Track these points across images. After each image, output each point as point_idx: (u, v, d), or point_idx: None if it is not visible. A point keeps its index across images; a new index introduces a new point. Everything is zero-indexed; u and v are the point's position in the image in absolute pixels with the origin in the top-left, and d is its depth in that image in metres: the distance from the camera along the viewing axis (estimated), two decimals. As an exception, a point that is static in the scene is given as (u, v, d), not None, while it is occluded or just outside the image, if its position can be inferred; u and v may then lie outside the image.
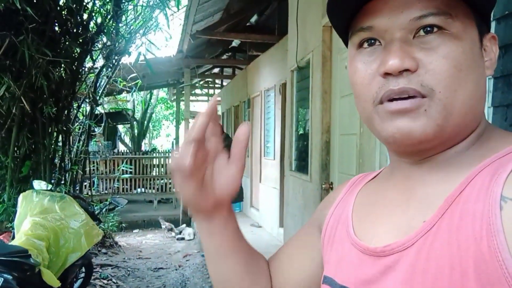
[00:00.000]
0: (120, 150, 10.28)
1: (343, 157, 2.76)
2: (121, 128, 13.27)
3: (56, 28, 4.66)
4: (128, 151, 10.19)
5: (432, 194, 0.49)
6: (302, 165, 3.64)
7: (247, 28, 7.50)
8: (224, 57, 9.72)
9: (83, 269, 3.78)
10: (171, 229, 6.97)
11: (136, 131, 11.86)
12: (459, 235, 0.43)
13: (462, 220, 0.44)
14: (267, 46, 6.78)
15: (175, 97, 13.50)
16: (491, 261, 0.40)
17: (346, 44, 0.56)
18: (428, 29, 0.47)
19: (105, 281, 4.46)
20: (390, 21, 0.48)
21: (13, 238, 3.25)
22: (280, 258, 0.73)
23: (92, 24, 4.96)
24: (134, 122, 11.84)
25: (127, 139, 14.03)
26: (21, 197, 3.40)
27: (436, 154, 0.51)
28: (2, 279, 2.46)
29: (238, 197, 6.10)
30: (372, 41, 0.50)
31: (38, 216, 3.18)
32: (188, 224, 7.45)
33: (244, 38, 6.84)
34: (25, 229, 3.00)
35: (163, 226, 7.03)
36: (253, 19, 7.37)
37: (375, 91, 0.49)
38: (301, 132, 3.81)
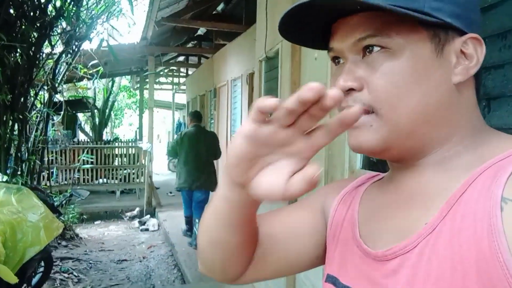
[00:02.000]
0: (80, 140, 9.93)
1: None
2: (81, 116, 12.81)
3: (11, 11, 4.40)
4: (89, 140, 9.85)
5: (432, 196, 0.51)
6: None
7: (214, 16, 7.38)
8: (190, 45, 9.55)
9: (42, 263, 3.63)
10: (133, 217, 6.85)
11: (97, 120, 11.48)
12: (460, 237, 0.44)
13: (464, 222, 0.45)
14: (234, 35, 6.71)
15: (138, 85, 13.17)
16: (492, 262, 0.41)
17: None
18: (370, 49, 0.51)
19: (65, 275, 4.32)
20: (341, 44, 0.53)
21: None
22: (275, 232, 0.67)
23: (50, 7, 4.72)
24: (95, 111, 11.45)
25: (87, 128, 13.57)
26: (-27, 189, 3.20)
27: (422, 159, 0.53)
28: (-46, 276, 2.32)
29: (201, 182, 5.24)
30: (340, 59, 0.55)
31: (-7, 209, 3.01)
32: (152, 215, 7.33)
33: (211, 27, 6.74)
34: (-22, 223, 2.84)
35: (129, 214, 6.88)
36: (220, 7, 7.26)
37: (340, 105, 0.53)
38: (269, 123, 3.80)
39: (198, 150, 5.13)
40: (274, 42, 3.40)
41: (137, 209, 7.01)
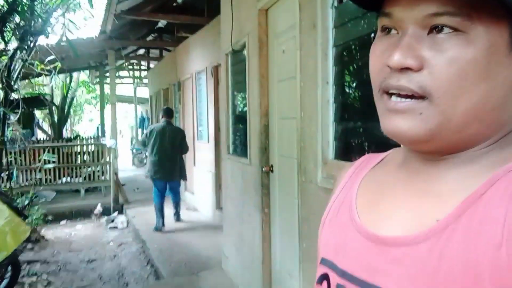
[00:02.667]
0: (39, 138, 9.56)
1: (283, 141, 2.83)
2: (38, 114, 12.31)
3: (-41, 5, 4.17)
4: (48, 138, 9.50)
5: (447, 193, 0.49)
6: (241, 149, 3.67)
7: (174, 9, 7.26)
8: (150, 38, 9.35)
9: (9, 268, 3.52)
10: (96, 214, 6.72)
11: (56, 117, 11.07)
12: (477, 239, 0.42)
13: (482, 224, 0.43)
14: (196, 28, 6.64)
15: (97, 80, 12.78)
16: (508, 269, 0.39)
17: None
18: (441, 28, 0.45)
19: (34, 278, 4.20)
20: (405, 12, 0.47)
21: None
22: None
23: (2, 1, 4.50)
24: (53, 108, 11.04)
25: (46, 126, 13.06)
26: None
27: (451, 154, 0.50)
28: None
29: (182, 176, 5.98)
30: (393, 29, 0.49)
31: (-46, 216, 2.89)
32: (120, 212, 7.21)
33: (172, 19, 6.64)
34: None
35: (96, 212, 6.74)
36: (180, -1, 7.14)
37: (381, 80, 0.49)
38: (238, 115, 3.83)
39: (165, 143, 5.65)
40: (240, 35, 3.41)
41: (99, 205, 6.86)
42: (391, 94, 0.48)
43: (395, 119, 0.48)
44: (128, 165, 13.82)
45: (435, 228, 0.46)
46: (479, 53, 0.44)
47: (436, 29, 0.45)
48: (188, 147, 6.06)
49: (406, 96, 0.47)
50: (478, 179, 0.46)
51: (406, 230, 0.49)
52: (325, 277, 0.57)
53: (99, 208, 6.76)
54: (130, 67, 12.55)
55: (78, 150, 8.27)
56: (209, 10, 6.15)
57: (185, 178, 6.13)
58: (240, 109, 3.82)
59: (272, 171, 3.01)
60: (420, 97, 0.46)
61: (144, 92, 15.21)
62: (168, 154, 5.63)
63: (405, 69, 0.46)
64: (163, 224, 5.70)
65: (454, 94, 0.45)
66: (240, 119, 3.76)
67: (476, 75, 0.44)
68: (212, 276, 3.96)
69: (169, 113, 5.93)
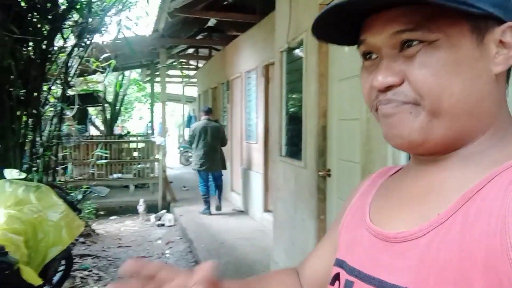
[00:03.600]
0: (91, 134, 9.88)
1: (343, 143, 2.65)
2: (91, 111, 12.76)
3: (23, 4, 4.31)
4: (101, 135, 9.80)
5: (449, 189, 0.51)
6: (294, 151, 3.52)
7: (225, 7, 7.22)
8: (200, 37, 9.40)
9: (63, 261, 3.57)
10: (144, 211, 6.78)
11: (108, 114, 11.42)
12: (472, 230, 0.45)
13: (478, 216, 0.45)
14: (247, 26, 6.55)
15: (148, 78, 13.07)
16: (501, 258, 0.41)
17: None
18: (409, 43, 0.50)
19: (85, 272, 4.26)
20: (376, 37, 0.52)
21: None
22: (309, 259, 0.76)
23: (62, -1, 4.62)
24: (106, 105, 11.39)
25: (98, 122, 13.53)
26: (-8, 188, 3.13)
27: (451, 153, 0.53)
28: (-22, 280, 2.25)
29: (223, 166, 6.90)
30: (372, 54, 0.54)
31: (13, 208, 2.93)
32: (167, 210, 7.27)
33: (224, 17, 6.59)
34: (-1, 223, 2.76)
35: (140, 208, 6.80)
36: (231, -3, 7.09)
37: (372, 101, 0.55)
38: (292, 116, 3.68)
39: (207, 139, 6.47)
40: (298, 32, 3.26)
41: (141, 201, 6.93)
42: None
43: (390, 122, 0.52)
44: (176, 163, 14.03)
45: (434, 221, 0.49)
46: (445, 55, 0.49)
47: (405, 44, 0.50)
48: (227, 140, 6.88)
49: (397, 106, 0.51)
50: (477, 176, 0.49)
51: (410, 226, 0.51)
52: (337, 277, 0.60)
53: (141, 205, 6.81)
54: (180, 66, 12.72)
55: (129, 147, 8.44)
56: (261, 8, 6.04)
57: (225, 168, 6.98)
58: (294, 109, 3.67)
59: (329, 175, 2.83)
60: (408, 103, 0.51)
61: (192, 91, 15.40)
62: (211, 148, 6.46)
63: (389, 87, 0.51)
64: (209, 211, 6.57)
65: (435, 94, 0.49)
66: (294, 120, 3.61)
67: (449, 73, 0.49)
68: None
69: (208, 112, 6.73)
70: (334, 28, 0.56)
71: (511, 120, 0.54)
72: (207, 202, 6.57)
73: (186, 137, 15.78)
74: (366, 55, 0.55)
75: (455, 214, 0.47)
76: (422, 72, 0.49)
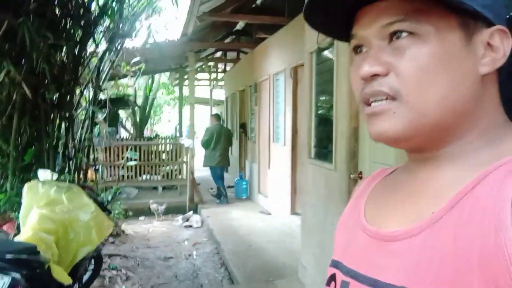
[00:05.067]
0: (122, 137, 10.07)
1: (376, 145, 2.56)
2: (122, 113, 13.03)
3: (57, 10, 4.42)
4: (131, 137, 9.98)
5: (443, 188, 0.51)
6: (324, 153, 3.44)
7: (254, 10, 7.22)
8: (228, 40, 9.44)
9: (92, 261, 3.62)
10: (157, 210, 6.81)
11: (138, 117, 11.63)
12: (466, 228, 0.45)
13: (472, 214, 0.45)
14: (275, 29, 6.52)
15: (176, 82, 13.23)
16: (496, 256, 0.41)
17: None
18: (398, 34, 0.50)
19: (114, 272, 4.31)
20: (366, 30, 0.53)
21: (18, 229, 3.07)
22: None
23: (94, 5, 4.72)
24: (136, 108, 11.60)
25: (128, 125, 13.79)
26: (26, 188, 3.21)
27: (441, 151, 0.53)
28: (11, 277, 2.29)
29: (227, 162, 7.91)
30: (362, 47, 0.54)
31: (45, 208, 3.00)
32: (195, 211, 7.30)
33: (252, 20, 6.58)
34: (32, 222, 2.82)
35: (153, 207, 6.83)
36: (259, 0, 7.08)
37: (359, 93, 0.54)
38: (321, 117, 3.61)
39: (222, 140, 7.68)
40: (328, 32, 3.20)
41: (164, 205, 6.98)
42: (370, 104, 0.53)
43: (374, 122, 0.52)
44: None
45: (429, 220, 0.49)
46: (433, 48, 0.49)
47: (394, 36, 0.51)
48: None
49: (381, 101, 0.51)
50: (470, 174, 0.49)
51: (404, 225, 0.52)
52: (333, 278, 0.60)
53: (154, 206, 6.84)
54: (208, 69, 12.83)
55: (158, 149, 8.54)
56: (289, 10, 6.00)
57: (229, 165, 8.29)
58: (324, 111, 3.60)
59: (361, 178, 2.75)
60: (392, 98, 0.51)
61: (219, 94, 15.49)
62: (226, 148, 7.78)
63: (374, 76, 0.51)
64: (227, 200, 7.58)
65: (420, 89, 0.49)
66: (324, 121, 3.53)
67: (436, 68, 0.49)
68: (289, 286, 3.78)
69: (219, 118, 8.23)
70: (328, 19, 0.57)
71: (504, 121, 0.54)
72: (225, 193, 7.61)
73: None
74: (356, 50, 0.55)
75: (449, 213, 0.47)
76: (410, 64, 0.49)
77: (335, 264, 0.61)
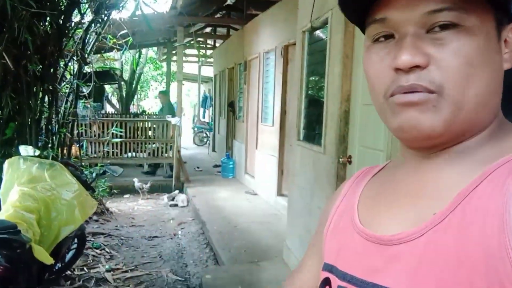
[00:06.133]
0: (108, 112, 9.87)
1: (367, 129, 2.52)
2: (108, 88, 12.75)
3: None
4: (116, 113, 9.79)
5: (444, 187, 0.49)
6: (313, 135, 3.40)
7: (246, -15, 7.03)
8: (218, 15, 9.22)
9: (75, 240, 3.56)
10: (142, 188, 6.76)
11: (124, 92, 11.38)
12: (469, 231, 0.43)
13: (475, 216, 0.44)
14: (267, 5, 6.36)
15: (164, 57, 12.95)
16: (500, 258, 0.40)
17: (363, 31, 0.55)
18: (443, 24, 0.47)
19: (97, 251, 4.27)
20: (403, 14, 0.48)
21: (-1, 208, 2.98)
22: (298, 273, 0.73)
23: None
24: (122, 83, 11.34)
25: (114, 100, 13.53)
26: (6, 164, 3.09)
27: (446, 148, 0.51)
28: (-11, 257, 2.22)
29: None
30: (387, 35, 0.50)
31: (27, 186, 2.90)
32: (181, 190, 7.25)
33: (244, -5, 6.39)
34: (12, 200, 2.73)
35: (137, 185, 6.76)
36: (252, -25, 6.89)
37: (387, 85, 0.50)
38: (312, 99, 3.54)
39: None
40: (322, 11, 3.10)
41: (149, 183, 6.90)
42: (400, 94, 0.49)
43: (410, 111, 0.48)
44: (189, 143, 14.02)
45: (431, 222, 0.47)
46: (479, 42, 0.47)
47: (437, 25, 0.47)
48: None
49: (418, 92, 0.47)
50: (471, 173, 0.47)
51: (405, 227, 0.49)
52: (327, 282, 0.58)
53: (139, 185, 6.77)
54: (197, 45, 12.57)
55: (144, 126, 8.40)
56: (283, -14, 5.83)
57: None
58: (314, 92, 3.53)
59: (350, 162, 2.71)
60: (431, 92, 0.47)
61: (207, 71, 15.26)
62: None
63: (413, 68, 0.47)
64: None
65: (463, 83, 0.47)
66: (314, 103, 3.47)
67: (480, 62, 0.47)
68: (273, 267, 3.78)
69: (167, 95, 8.70)
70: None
71: (502, 117, 0.53)
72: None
73: (201, 117, 15.75)
74: (377, 37, 0.51)
75: (452, 214, 0.46)
76: (456, 58, 0.46)
77: (329, 268, 0.59)
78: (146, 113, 9.94)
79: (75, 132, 5.53)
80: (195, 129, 14.77)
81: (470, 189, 0.46)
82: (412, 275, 0.46)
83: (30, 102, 4.29)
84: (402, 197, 0.53)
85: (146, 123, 8.21)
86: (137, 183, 6.77)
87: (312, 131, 3.45)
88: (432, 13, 0.47)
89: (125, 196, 6.94)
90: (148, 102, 21.42)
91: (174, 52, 11.49)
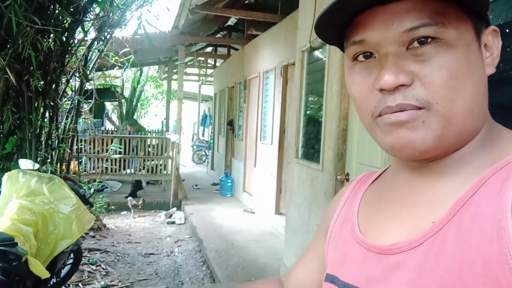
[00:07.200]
0: (108, 129, 9.91)
1: (364, 147, 2.55)
2: (108, 105, 12.83)
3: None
4: (116, 129, 9.82)
5: (441, 195, 0.49)
6: (311, 153, 3.42)
7: (246, 6, 7.17)
8: (219, 35, 9.36)
9: (72, 255, 3.54)
10: (137, 206, 6.71)
11: (124, 109, 11.46)
12: (469, 238, 0.43)
13: (473, 223, 0.44)
14: (267, 25, 6.48)
15: (165, 75, 13.08)
16: (500, 264, 0.40)
17: (343, 50, 0.54)
18: (422, 39, 0.46)
19: (93, 267, 4.23)
20: (381, 34, 0.48)
21: (-4, 220, 2.97)
22: (294, 270, 0.74)
23: (84, -8, 4.61)
24: (123, 100, 11.43)
25: (114, 117, 13.60)
26: (5, 177, 3.11)
27: (441, 158, 0.51)
28: (-15, 269, 2.21)
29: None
30: (367, 53, 0.50)
31: (25, 199, 2.91)
32: (178, 208, 7.23)
33: (245, 16, 6.52)
34: (10, 213, 2.73)
35: (130, 204, 6.73)
36: (253, -4, 7.04)
37: (373, 106, 0.49)
38: (310, 117, 3.59)
39: None
40: (321, 31, 3.17)
41: (141, 200, 6.88)
42: (388, 114, 0.48)
43: (401, 131, 0.48)
44: (188, 161, 14.02)
45: (430, 230, 0.47)
46: (460, 53, 0.47)
47: (416, 41, 0.47)
48: None
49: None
50: (468, 181, 0.47)
51: (404, 236, 0.50)
52: None
53: (133, 203, 6.73)
54: (198, 64, 12.72)
55: (143, 143, 8.43)
56: (282, 7, 5.96)
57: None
58: (313, 111, 3.58)
59: (347, 180, 2.73)
60: (419, 108, 0.47)
61: (208, 90, 15.38)
62: None
63: (397, 88, 0.47)
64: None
65: (449, 96, 0.47)
66: (313, 121, 3.51)
67: (464, 72, 0.47)
68: None
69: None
70: (331, 25, 0.52)
71: (492, 123, 0.53)
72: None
73: (201, 136, 15.78)
74: (356, 57, 0.51)
75: (450, 222, 0.46)
76: (440, 72, 0.46)
77: (331, 279, 0.59)
78: (145, 130, 9.98)
79: (75, 147, 5.55)
80: (194, 147, 14.80)
81: (468, 197, 0.46)
82: (414, 283, 0.46)
83: (31, 117, 4.32)
84: (401, 206, 0.53)
85: (145, 140, 8.23)
86: (132, 202, 6.74)
87: (311, 149, 3.48)
88: (410, 31, 0.46)
89: (122, 212, 6.91)
90: (148, 120, 21.51)
91: (175, 70, 11.62)
